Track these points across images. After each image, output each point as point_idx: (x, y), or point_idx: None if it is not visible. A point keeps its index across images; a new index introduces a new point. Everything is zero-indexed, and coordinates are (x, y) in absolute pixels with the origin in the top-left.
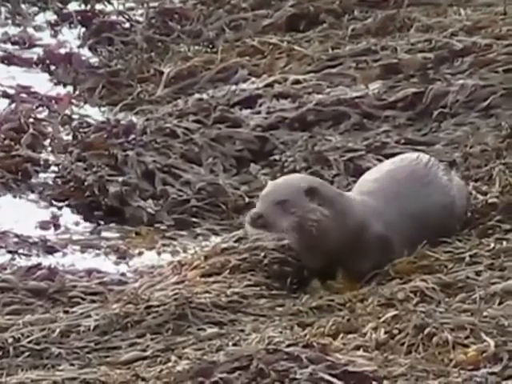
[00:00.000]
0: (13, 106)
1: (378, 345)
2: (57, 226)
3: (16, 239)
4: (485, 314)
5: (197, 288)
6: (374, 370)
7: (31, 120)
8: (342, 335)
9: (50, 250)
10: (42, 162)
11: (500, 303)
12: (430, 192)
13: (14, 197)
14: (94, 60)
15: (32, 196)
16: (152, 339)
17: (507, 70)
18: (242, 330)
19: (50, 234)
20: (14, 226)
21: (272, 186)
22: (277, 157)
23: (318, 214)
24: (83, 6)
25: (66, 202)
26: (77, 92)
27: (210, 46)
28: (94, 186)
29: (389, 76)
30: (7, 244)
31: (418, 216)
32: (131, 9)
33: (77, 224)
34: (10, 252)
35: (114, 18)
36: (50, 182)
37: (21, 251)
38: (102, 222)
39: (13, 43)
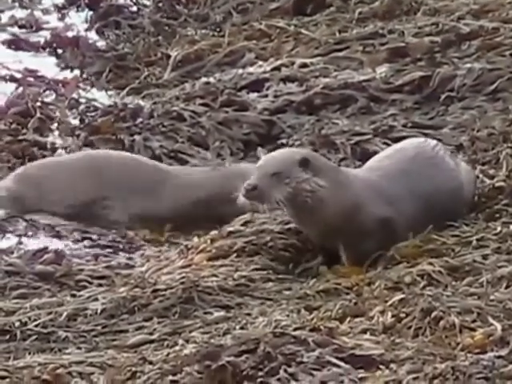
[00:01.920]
0: (20, 89)
1: (385, 328)
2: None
3: (24, 224)
4: (492, 297)
5: (204, 272)
6: (381, 353)
7: (38, 104)
8: (348, 319)
9: (58, 234)
10: (48, 146)
11: (507, 287)
12: (437, 173)
13: None
14: (101, 44)
15: None
16: (159, 323)
17: None
18: (249, 314)
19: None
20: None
21: (266, 158)
22: (284, 140)
23: (313, 184)
24: None
25: None
26: (84, 76)
27: (217, 29)
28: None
29: (396, 59)
30: (16, 228)
31: (425, 196)
32: None
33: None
34: (19, 236)
35: (121, 1)
36: None
37: (29, 233)
38: None
39: (20, 27)
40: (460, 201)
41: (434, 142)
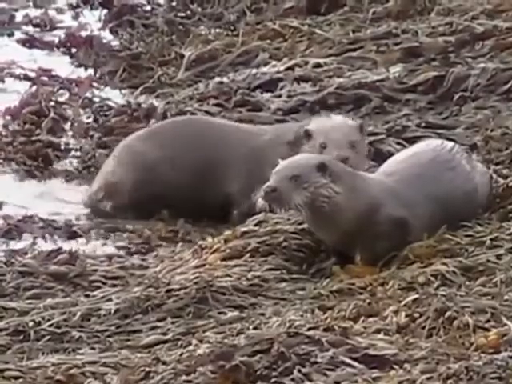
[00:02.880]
0: (34, 89)
1: (399, 328)
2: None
3: (41, 224)
4: (505, 297)
5: (217, 272)
6: (395, 353)
7: (52, 103)
8: (362, 319)
9: (74, 235)
10: (62, 147)
11: None
12: (454, 177)
13: (38, 182)
14: (115, 43)
15: (55, 182)
16: (173, 323)
17: None
18: (263, 314)
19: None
20: (39, 211)
21: (284, 163)
22: None
23: (330, 190)
24: None
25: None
26: (98, 75)
27: (231, 29)
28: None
29: (410, 59)
30: (32, 229)
31: (440, 200)
32: None
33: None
34: (35, 237)
35: (135, 0)
36: (72, 169)
37: (45, 236)
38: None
39: (34, 26)
40: (474, 204)
41: (451, 144)
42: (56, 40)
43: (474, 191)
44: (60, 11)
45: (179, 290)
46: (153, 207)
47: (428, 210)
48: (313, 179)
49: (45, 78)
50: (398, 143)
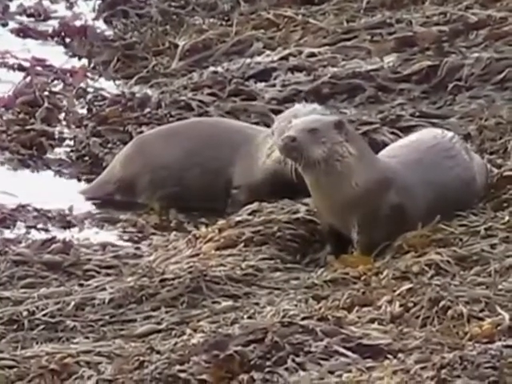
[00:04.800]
0: (28, 79)
1: (393, 318)
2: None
3: (35, 213)
4: (500, 287)
5: (211, 261)
6: (389, 342)
7: (46, 93)
8: (356, 308)
9: (68, 224)
10: (56, 136)
11: None
12: (453, 165)
13: (32, 171)
14: (109, 33)
15: (49, 171)
16: (167, 312)
17: None
18: (257, 303)
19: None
20: (32, 200)
21: (302, 117)
22: None
23: (345, 149)
24: None
25: (84, 177)
26: (92, 65)
27: (225, 18)
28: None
29: (404, 49)
30: (26, 218)
31: (439, 187)
32: None
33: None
34: (29, 227)
35: None
36: (66, 158)
37: (39, 226)
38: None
39: (28, 15)
40: (472, 193)
41: (451, 133)
42: (50, 30)
43: (473, 181)
44: (54, 1)
45: (173, 279)
46: (164, 203)
47: (426, 196)
48: (330, 135)
49: (39, 68)
50: (392, 133)
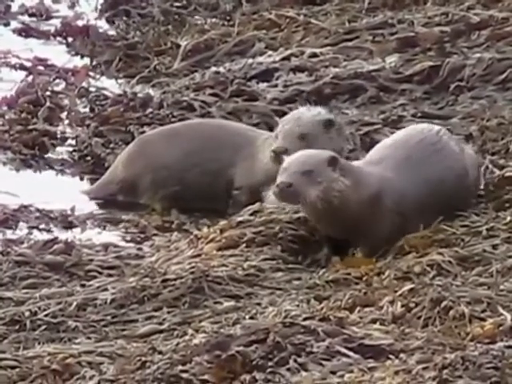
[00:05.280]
0: (30, 78)
1: (395, 318)
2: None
3: (37, 214)
4: (501, 287)
5: (213, 261)
6: (391, 343)
7: (48, 93)
8: (358, 309)
9: (70, 224)
10: (58, 136)
11: None
12: (442, 159)
13: (34, 171)
14: (111, 32)
15: (51, 171)
16: (169, 312)
17: None
18: (259, 304)
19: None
20: (34, 200)
21: (294, 158)
22: None
23: (341, 184)
24: None
25: (86, 177)
26: (94, 64)
27: (227, 18)
28: (112, 164)
29: (405, 49)
30: (28, 219)
31: (431, 182)
32: None
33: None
34: (31, 227)
35: None
36: (68, 158)
37: (41, 226)
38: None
39: (30, 15)
40: (465, 184)
41: (438, 127)
42: (52, 29)
43: (464, 173)
44: (56, 1)
45: (175, 279)
46: (165, 204)
47: (419, 193)
48: (325, 173)
49: (41, 68)
50: (394, 133)
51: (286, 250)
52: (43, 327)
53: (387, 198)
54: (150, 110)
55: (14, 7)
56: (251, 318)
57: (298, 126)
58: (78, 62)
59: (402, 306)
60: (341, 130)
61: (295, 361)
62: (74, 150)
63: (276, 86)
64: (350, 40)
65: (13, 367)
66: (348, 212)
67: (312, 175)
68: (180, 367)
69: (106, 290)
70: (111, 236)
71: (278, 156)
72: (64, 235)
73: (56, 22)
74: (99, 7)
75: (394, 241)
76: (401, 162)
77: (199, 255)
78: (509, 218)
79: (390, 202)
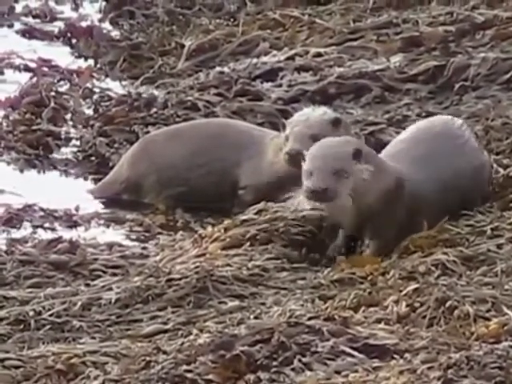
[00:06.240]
0: (34, 79)
1: (400, 318)
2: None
3: (41, 213)
4: (506, 287)
5: (218, 261)
6: (396, 343)
7: (52, 94)
8: (363, 308)
9: (74, 223)
10: (63, 136)
11: None
12: (464, 153)
13: (38, 172)
14: (116, 33)
15: (55, 171)
16: (173, 312)
17: None
18: (263, 303)
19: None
20: (39, 200)
21: (319, 155)
22: None
23: (366, 173)
24: None
25: (91, 176)
26: (98, 65)
27: (232, 18)
28: (116, 163)
29: (410, 49)
30: (32, 218)
31: (449, 178)
32: None
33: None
34: (35, 227)
35: None
36: (73, 158)
37: (46, 225)
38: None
39: (34, 16)
40: (483, 178)
41: (461, 120)
42: (56, 31)
43: (483, 167)
44: (60, 2)
45: (180, 279)
46: (170, 203)
47: (437, 187)
48: (354, 169)
49: (45, 69)
50: (399, 133)
51: (290, 246)
52: (47, 327)
53: (405, 194)
54: (154, 109)
55: (18, 8)
56: (256, 317)
57: (307, 127)
58: (82, 62)
59: (407, 305)
60: (347, 128)
61: (300, 360)
62: (79, 151)
63: (280, 85)
64: (355, 40)
65: (17, 367)
66: (369, 197)
67: (342, 173)
68: (184, 367)
69: (110, 289)
70: (116, 235)
71: (292, 158)
72: (68, 234)
73: (60, 24)
74: (103, 8)
75: (405, 236)
76: (420, 157)
77: (204, 254)
78: None
79: (407, 198)
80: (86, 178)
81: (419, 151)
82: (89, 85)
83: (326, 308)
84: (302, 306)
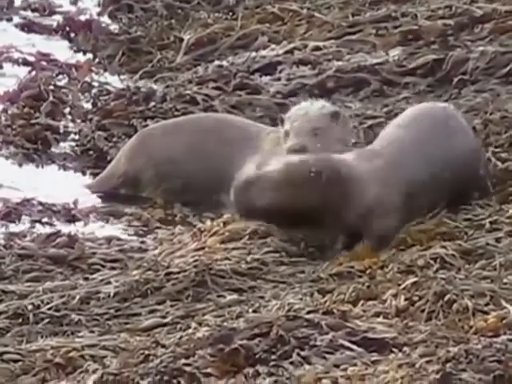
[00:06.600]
0: (33, 73)
1: (398, 312)
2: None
3: (40, 207)
4: (505, 280)
5: (216, 255)
6: (394, 336)
7: (51, 87)
8: (362, 302)
9: (73, 218)
10: (61, 130)
11: None
12: (454, 136)
13: (37, 166)
14: (114, 27)
15: (54, 166)
16: (172, 306)
17: None
18: (262, 297)
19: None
20: (37, 194)
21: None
22: None
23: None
24: None
25: (89, 171)
26: (97, 59)
27: (230, 12)
28: (115, 157)
29: (409, 42)
30: (31, 212)
31: (444, 161)
32: None
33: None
34: (33, 221)
35: None
36: (71, 152)
37: (44, 220)
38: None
39: (33, 10)
40: (479, 161)
41: (444, 104)
42: (55, 24)
43: (478, 149)
44: None
45: (178, 273)
46: (168, 197)
47: (430, 173)
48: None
49: (44, 63)
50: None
51: (288, 240)
52: (46, 320)
53: (399, 180)
54: (153, 103)
55: (17, 2)
56: (254, 311)
57: (307, 122)
58: (81, 56)
59: (406, 299)
60: (346, 121)
61: (298, 354)
62: (77, 145)
63: (279, 79)
64: (354, 33)
65: (16, 361)
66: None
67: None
68: (183, 361)
69: (109, 283)
70: (114, 229)
71: (296, 153)
72: (67, 228)
73: (59, 17)
74: (102, 2)
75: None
76: (413, 143)
77: (202, 248)
78: None
79: (402, 183)
80: (84, 173)
81: (412, 137)
82: (87, 79)
83: (325, 302)
84: (301, 299)
